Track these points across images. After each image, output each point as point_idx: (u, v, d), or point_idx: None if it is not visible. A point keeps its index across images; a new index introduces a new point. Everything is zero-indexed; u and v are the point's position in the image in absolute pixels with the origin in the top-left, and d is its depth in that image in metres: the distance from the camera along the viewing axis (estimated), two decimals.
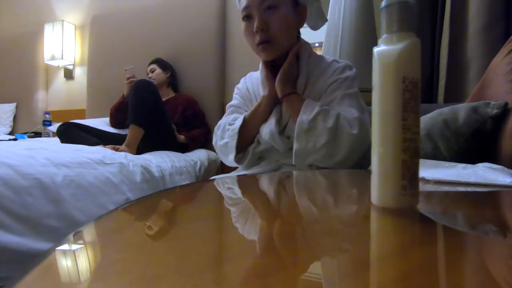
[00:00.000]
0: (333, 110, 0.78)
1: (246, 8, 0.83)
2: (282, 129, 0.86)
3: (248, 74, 1.03)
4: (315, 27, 0.96)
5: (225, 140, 0.89)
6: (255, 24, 0.81)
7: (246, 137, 0.88)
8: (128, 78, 1.79)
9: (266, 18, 0.81)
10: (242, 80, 1.03)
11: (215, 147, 0.95)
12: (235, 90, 1.03)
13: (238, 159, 0.89)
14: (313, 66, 0.88)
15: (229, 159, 0.90)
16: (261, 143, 0.89)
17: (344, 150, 0.75)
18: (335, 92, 0.83)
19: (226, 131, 0.90)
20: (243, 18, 0.85)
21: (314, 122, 0.76)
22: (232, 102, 1.00)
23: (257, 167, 0.90)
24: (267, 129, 0.85)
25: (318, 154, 0.77)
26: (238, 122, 0.87)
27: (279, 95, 0.84)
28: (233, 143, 0.86)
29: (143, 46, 2.30)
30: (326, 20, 0.96)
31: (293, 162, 0.82)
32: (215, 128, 0.95)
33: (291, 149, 0.88)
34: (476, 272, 0.20)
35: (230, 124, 0.90)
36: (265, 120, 0.87)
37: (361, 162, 0.78)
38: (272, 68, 0.89)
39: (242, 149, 0.89)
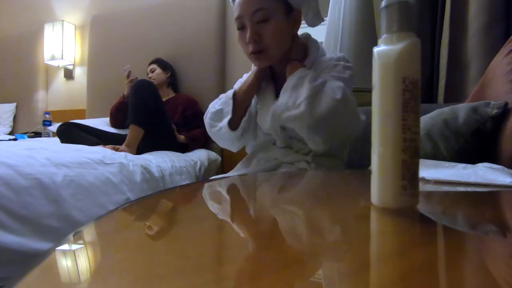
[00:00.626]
0: (321, 76, 0.80)
1: (239, 18, 0.83)
2: None
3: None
4: (312, 24, 0.96)
5: (219, 107, 0.89)
6: (248, 35, 0.81)
7: (238, 106, 0.88)
8: (128, 77, 1.79)
9: (259, 29, 0.81)
10: (244, 75, 1.04)
11: (205, 120, 0.94)
12: (236, 83, 1.04)
13: (232, 124, 0.88)
14: (319, 58, 0.89)
15: (223, 123, 0.88)
16: (260, 136, 0.90)
17: (324, 110, 0.74)
18: (325, 75, 0.83)
19: (218, 100, 0.91)
20: (237, 28, 0.85)
21: (301, 81, 0.78)
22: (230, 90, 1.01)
23: (256, 165, 0.90)
24: (266, 118, 0.86)
25: (297, 110, 0.76)
26: (230, 92, 0.90)
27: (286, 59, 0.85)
28: (229, 108, 0.87)
29: (143, 46, 2.29)
30: (323, 20, 0.96)
31: (268, 124, 0.83)
32: (208, 107, 0.95)
33: (290, 147, 0.89)
34: (476, 272, 0.20)
35: (222, 96, 0.92)
36: (253, 92, 0.90)
37: (361, 162, 0.78)
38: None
39: (236, 117, 0.89)
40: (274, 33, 0.82)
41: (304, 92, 0.76)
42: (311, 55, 0.88)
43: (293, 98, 0.77)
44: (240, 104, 0.89)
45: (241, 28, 0.84)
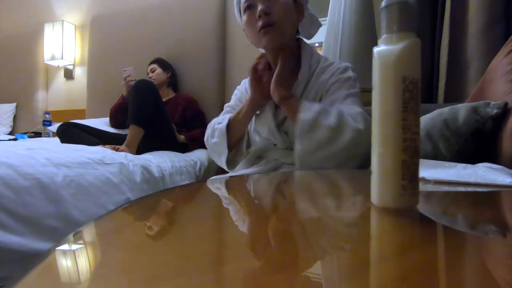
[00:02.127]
0: (334, 108, 0.75)
1: None
2: (280, 124, 0.87)
3: None
4: (309, 35, 0.97)
5: (215, 139, 0.90)
6: (259, 8, 0.82)
7: (233, 137, 0.89)
8: (125, 79, 1.79)
9: (269, 5, 0.83)
10: (242, 82, 1.05)
11: (206, 145, 0.96)
12: (235, 91, 1.05)
13: (228, 163, 0.91)
14: (314, 64, 0.89)
15: (221, 160, 0.92)
16: (259, 140, 0.90)
17: (348, 148, 0.71)
18: (337, 91, 0.82)
19: (215, 130, 0.91)
20: (245, 10, 0.87)
21: (316, 121, 0.73)
22: (229, 103, 1.02)
23: (256, 166, 0.90)
24: (264, 124, 0.87)
25: (323, 153, 0.73)
26: (225, 122, 0.89)
27: (276, 100, 0.81)
28: (224, 144, 0.87)
29: (143, 46, 2.29)
30: (321, 25, 0.97)
31: (296, 167, 0.78)
32: (208, 126, 0.97)
33: (291, 148, 0.88)
34: (476, 272, 0.20)
35: (218, 123, 0.92)
36: (247, 122, 0.89)
37: (362, 162, 0.78)
38: (268, 67, 0.90)
39: (231, 149, 0.90)
40: (284, 8, 0.84)
41: (324, 135, 0.72)
42: (304, 65, 0.87)
43: (314, 142, 0.73)
44: (236, 132, 0.89)
45: (250, 8, 0.85)
